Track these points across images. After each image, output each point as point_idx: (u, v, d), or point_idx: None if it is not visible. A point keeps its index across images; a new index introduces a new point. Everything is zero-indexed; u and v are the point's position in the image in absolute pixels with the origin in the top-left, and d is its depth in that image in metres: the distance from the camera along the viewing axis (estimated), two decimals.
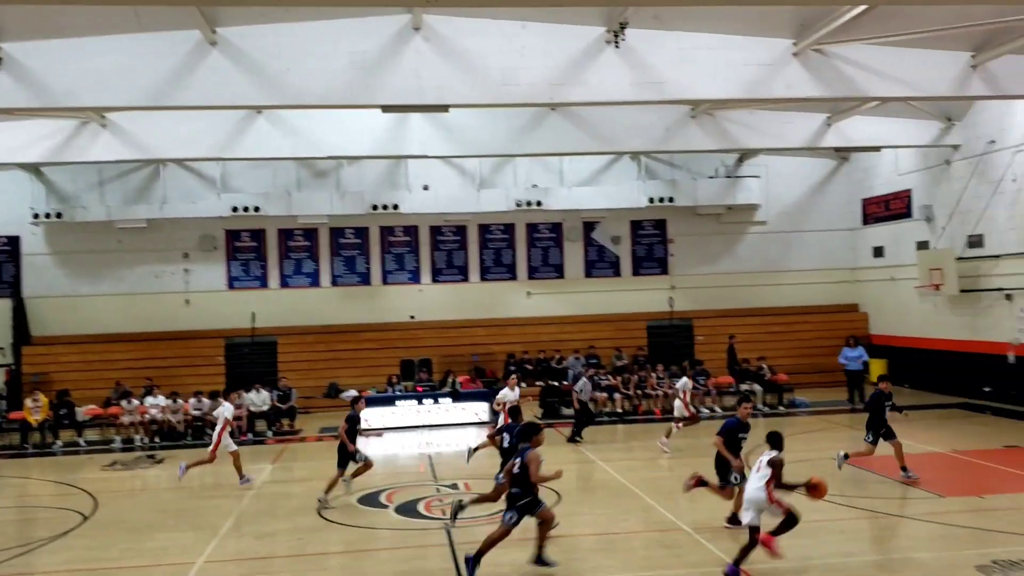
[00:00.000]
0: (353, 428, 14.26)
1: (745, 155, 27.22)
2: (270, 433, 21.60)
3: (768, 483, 9.58)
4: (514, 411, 13.47)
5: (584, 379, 20.07)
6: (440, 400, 22.37)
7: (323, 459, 18.48)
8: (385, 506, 13.73)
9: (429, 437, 20.70)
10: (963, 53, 16.29)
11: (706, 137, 20.87)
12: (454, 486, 14.93)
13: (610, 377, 23.72)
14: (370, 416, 21.82)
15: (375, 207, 26.03)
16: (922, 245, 24.73)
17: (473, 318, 27.45)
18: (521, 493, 9.91)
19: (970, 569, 9.41)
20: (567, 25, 14.54)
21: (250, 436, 21.33)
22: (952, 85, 16.49)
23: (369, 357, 26.05)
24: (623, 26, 14.14)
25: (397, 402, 22.38)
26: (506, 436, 12.85)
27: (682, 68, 15.09)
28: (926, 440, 17.31)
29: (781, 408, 22.95)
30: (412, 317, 27.52)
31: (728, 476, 11.60)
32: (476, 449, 15.35)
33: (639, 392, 23.13)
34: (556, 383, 24.11)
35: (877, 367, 26.49)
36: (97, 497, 14.96)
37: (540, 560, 10.13)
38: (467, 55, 14.54)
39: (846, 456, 14.50)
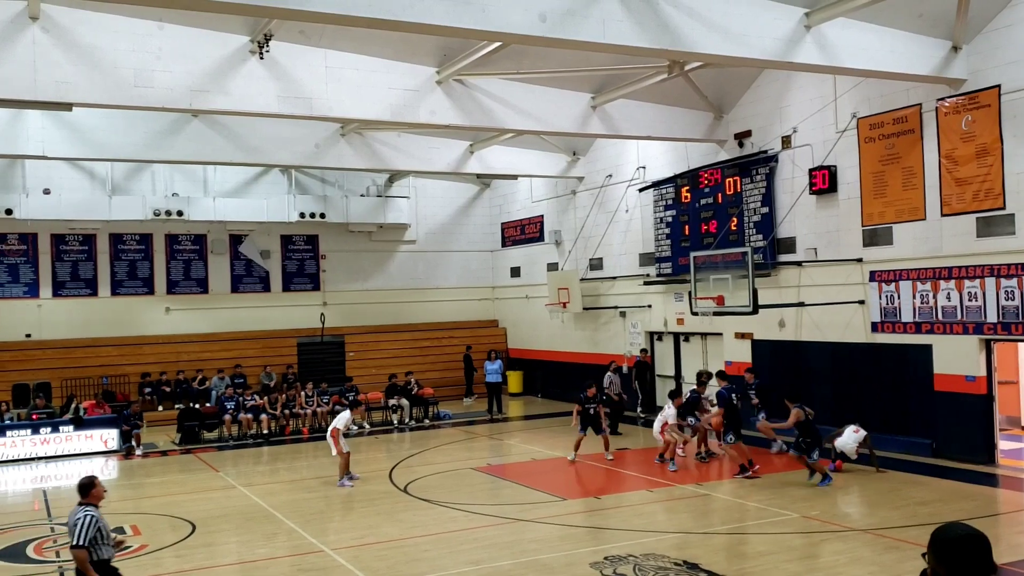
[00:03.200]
0: None
1: (395, 176, 27.88)
2: None
3: None
4: None
5: (609, 374, 20.74)
6: (60, 428, 20.14)
7: None
8: None
9: (46, 470, 18.56)
10: (585, 94, 18.06)
11: (356, 156, 21.04)
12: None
13: (256, 397, 22.93)
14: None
15: None
16: (552, 266, 26.97)
17: (103, 336, 25.18)
18: None
19: (584, 566, 10.31)
20: (208, 31, 13.90)
21: None
22: (575, 122, 18.20)
23: None
24: (268, 38, 13.83)
25: (7, 432, 19.78)
26: None
27: (329, 86, 15.09)
28: (552, 445, 18.81)
29: (427, 421, 23.67)
30: (28, 335, 24.59)
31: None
32: None
33: (287, 412, 22.61)
34: (197, 405, 22.80)
35: (515, 379, 28.51)
36: None
37: None
38: (94, 51, 13.32)
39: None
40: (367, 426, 22.58)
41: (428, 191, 29.39)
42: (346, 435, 15.95)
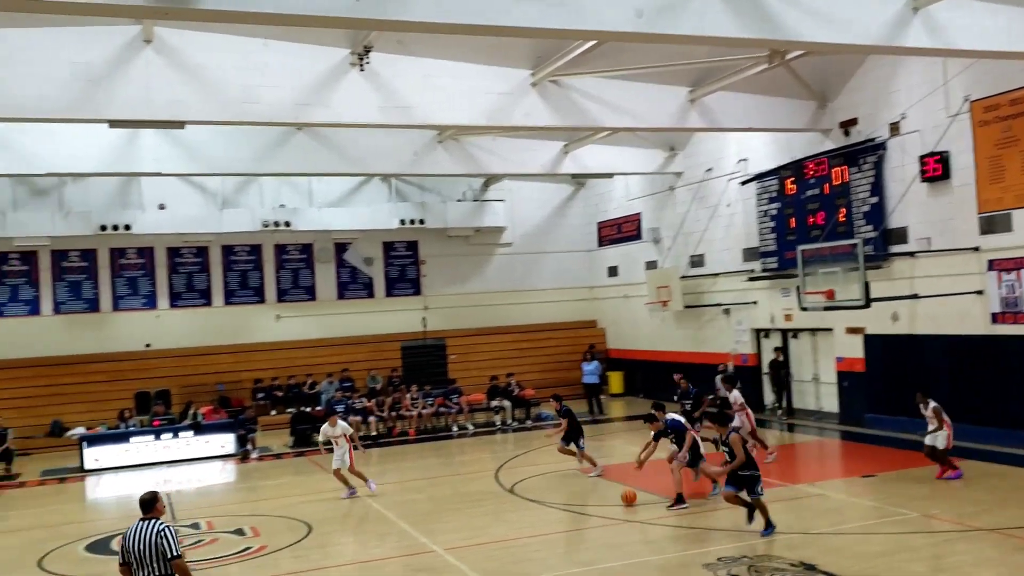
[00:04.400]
0: None
1: (491, 179, 28.09)
2: None
3: None
4: None
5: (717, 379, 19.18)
6: (180, 434, 21.02)
7: (47, 505, 16.86)
8: (116, 552, 12.61)
9: (168, 474, 19.39)
10: (682, 88, 17.81)
11: (453, 161, 21.31)
12: (195, 525, 14.07)
13: (364, 400, 23.46)
14: (101, 455, 20.22)
15: (104, 227, 24.20)
16: (651, 265, 26.69)
17: (217, 344, 26.16)
18: None
19: (697, 568, 10.16)
20: (311, 45, 14.29)
21: None
22: (673, 117, 17.97)
23: (99, 390, 24.05)
24: (368, 49, 14.14)
25: (131, 438, 20.76)
26: None
27: (426, 94, 15.31)
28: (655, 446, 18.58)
29: (528, 422, 23.76)
30: (148, 345, 25.76)
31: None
32: None
33: (394, 414, 23.05)
34: (308, 409, 23.47)
35: (616, 379, 28.31)
36: None
37: None
38: (203, 71, 13.87)
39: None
40: (470, 427, 22.77)
41: (523, 193, 29.50)
42: (328, 447, 15.82)
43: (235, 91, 14.01)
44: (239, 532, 13.34)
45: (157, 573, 7.25)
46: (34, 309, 25.06)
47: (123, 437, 20.80)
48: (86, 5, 9.39)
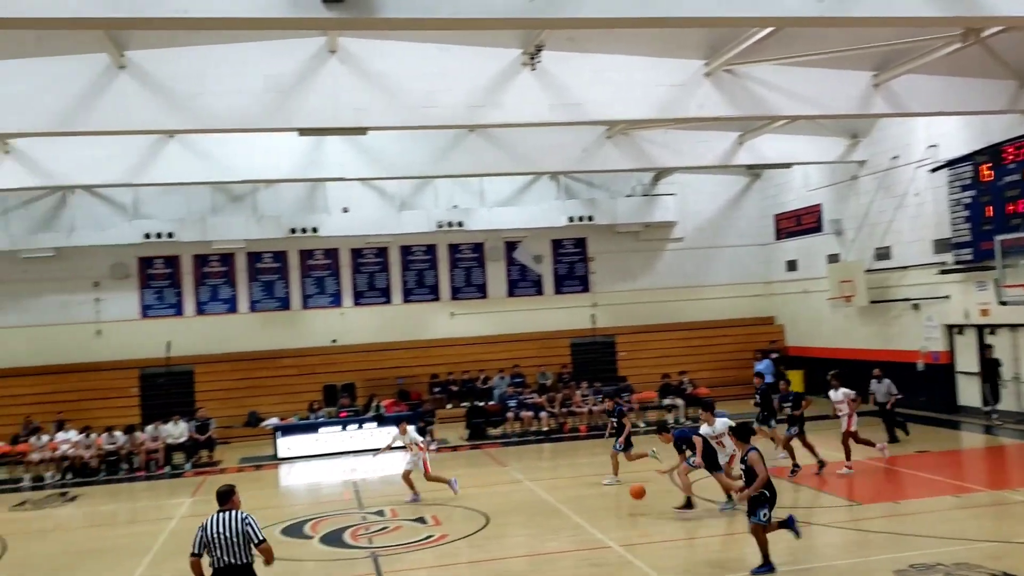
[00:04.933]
0: None
1: (661, 173, 27.73)
2: (188, 466, 20.95)
3: None
4: None
5: (885, 382, 18.71)
6: (364, 425, 22.04)
7: (245, 490, 18.05)
8: (309, 536, 13.43)
9: (354, 463, 20.35)
10: (865, 72, 16.92)
11: (622, 156, 21.18)
12: (380, 513, 14.71)
13: (535, 396, 23.79)
14: (292, 445, 21.47)
15: (293, 230, 25.66)
16: (833, 258, 25.53)
17: (396, 340, 27.20)
18: None
19: (887, 574, 9.66)
20: (485, 48, 14.59)
21: (168, 469, 20.68)
22: (856, 103, 17.10)
23: (290, 383, 25.54)
24: (539, 48, 14.28)
25: (320, 429, 21.96)
26: None
27: (597, 89, 15.29)
28: (838, 447, 17.78)
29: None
30: (334, 341, 27.13)
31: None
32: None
33: (564, 410, 23.22)
34: (481, 403, 24.04)
35: (796, 377, 27.25)
36: (6, 539, 14.27)
37: None
38: (385, 78, 14.46)
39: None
40: (641, 425, 22.59)
41: (695, 186, 28.93)
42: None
43: (414, 96, 14.51)
44: (421, 520, 13.85)
45: (242, 560, 7.86)
46: (232, 307, 26.94)
47: (313, 427, 22.04)
48: (279, 20, 9.98)
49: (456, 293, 28.17)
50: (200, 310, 26.69)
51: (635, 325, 28.22)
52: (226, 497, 8.19)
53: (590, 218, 27.26)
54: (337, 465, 20.46)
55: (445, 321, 27.92)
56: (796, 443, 15.71)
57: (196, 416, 22.06)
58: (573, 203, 27.45)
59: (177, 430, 21.36)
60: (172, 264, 26.53)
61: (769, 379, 23.93)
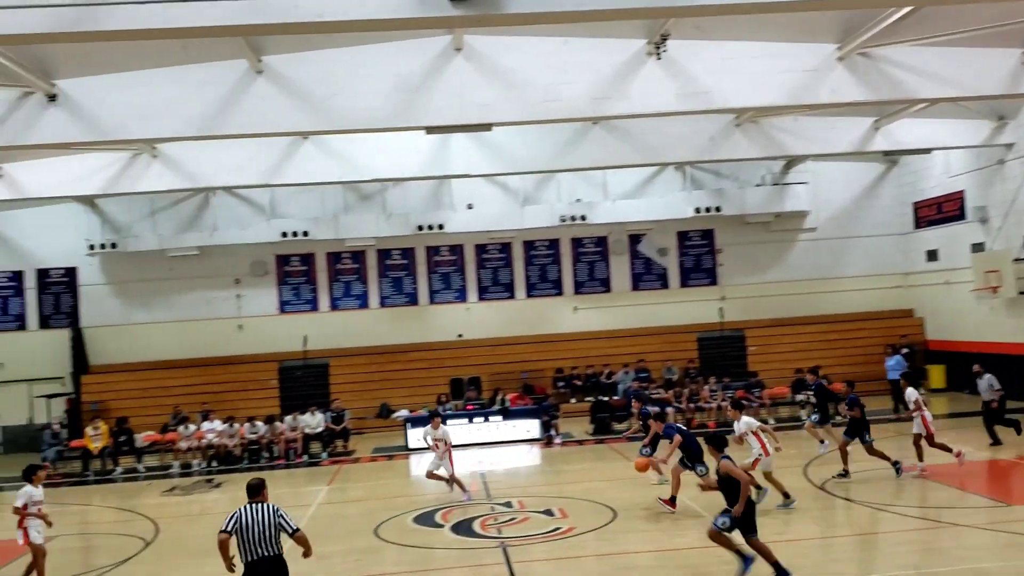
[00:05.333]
0: None
1: (792, 162, 26.89)
2: (324, 455, 21.75)
3: None
4: None
5: (986, 377, 18.07)
6: (490, 418, 22.34)
7: (378, 479, 18.66)
8: (440, 525, 13.73)
9: (480, 455, 20.66)
10: (1013, 50, 15.94)
11: (751, 145, 20.67)
12: (508, 504, 14.87)
13: (661, 391, 23.53)
14: (421, 436, 21.90)
15: (420, 227, 26.21)
16: (977, 247, 24.16)
17: (520, 335, 27.42)
18: None
19: None
20: (608, 39, 14.54)
21: (306, 458, 21.53)
22: (1003, 83, 16.13)
23: (419, 376, 26.15)
24: (664, 38, 14.11)
25: (447, 421, 22.33)
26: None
27: (725, 77, 15.00)
28: (980, 444, 16.88)
29: (839, 417, 22.45)
30: (460, 335, 27.58)
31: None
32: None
33: (692, 406, 22.87)
34: (606, 398, 23.96)
35: (936, 373, 25.98)
36: (158, 523, 15.18)
37: None
38: (509, 73, 14.61)
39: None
40: (771, 422, 21.99)
41: (828, 174, 27.91)
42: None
43: (538, 91, 14.60)
44: (548, 513, 13.93)
45: (274, 552, 8.11)
46: (363, 303, 27.78)
47: (442, 419, 22.40)
48: (409, 20, 10.23)
49: (579, 287, 28.16)
50: (334, 305, 27.66)
51: (765, 319, 27.52)
52: (257, 490, 8.38)
53: (718, 209, 26.70)
54: (464, 456, 20.76)
55: (568, 315, 27.96)
56: (858, 449, 15.02)
57: (331, 407, 22.89)
58: (700, 194, 26.96)
59: (314, 420, 22.20)
60: (307, 261, 27.59)
61: (893, 375, 22.89)
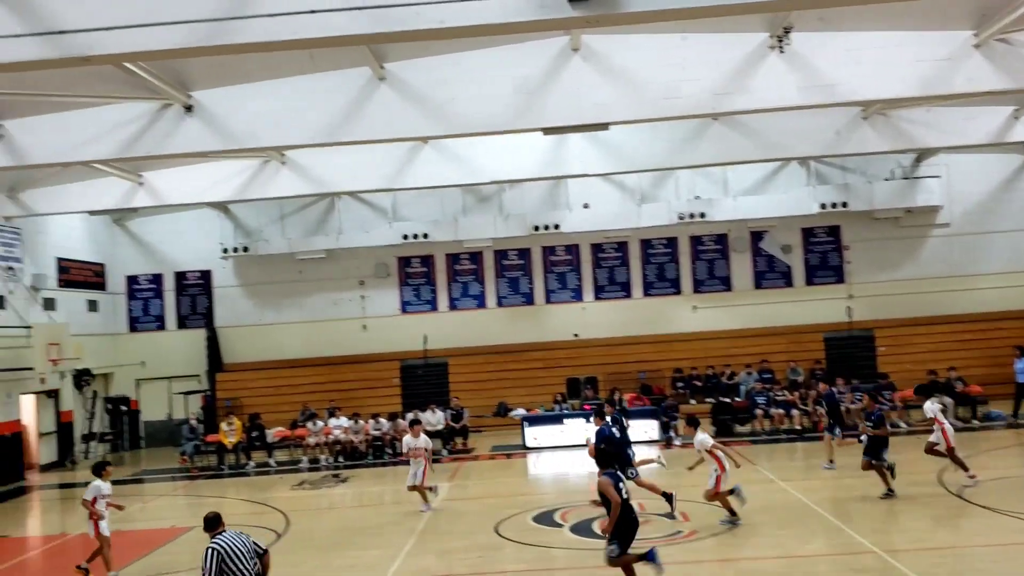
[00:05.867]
0: None
1: (923, 155, 25.70)
2: (445, 452, 22.15)
3: None
4: None
5: None
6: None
7: (497, 477, 18.87)
8: (560, 525, 13.76)
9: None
10: None
11: (880, 138, 19.81)
12: None
13: (786, 392, 22.90)
14: (539, 435, 22.07)
15: (536, 228, 26.32)
16: None
17: (638, 334, 27.19)
18: None
19: None
20: (728, 34, 14.24)
21: None
22: None
23: (536, 376, 26.28)
24: (787, 30, 13.73)
25: (565, 420, 22.42)
26: None
27: (851, 69, 14.45)
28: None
29: (975, 422, 21.40)
30: (576, 335, 27.58)
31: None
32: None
33: (818, 408, 22.13)
34: (727, 400, 23.50)
35: None
36: (288, 515, 15.79)
37: None
38: (626, 72, 14.50)
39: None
40: (903, 426, 21.05)
41: (962, 167, 26.54)
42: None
43: (656, 88, 14.44)
44: (670, 516, 13.75)
45: (254, 571, 8.15)
46: (481, 303, 28.14)
47: (558, 419, 22.54)
48: (528, 23, 10.29)
49: (699, 286, 27.72)
50: (452, 306, 28.12)
51: (896, 318, 26.41)
52: (218, 521, 8.56)
53: (844, 204, 25.77)
54: (581, 456, 20.75)
55: (687, 315, 27.56)
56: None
57: (451, 405, 23.28)
58: (825, 189, 26.08)
59: (435, 418, 22.64)
60: (427, 263, 28.15)
61: (1022, 378, 21.59)
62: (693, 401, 25.28)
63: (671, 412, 22.19)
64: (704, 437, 13.53)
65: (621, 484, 9.88)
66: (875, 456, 14.21)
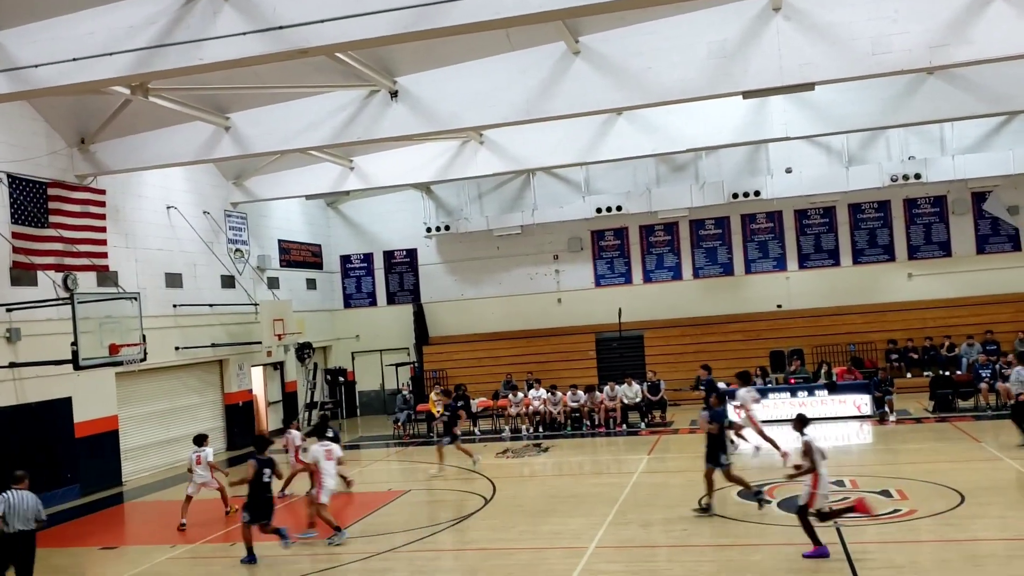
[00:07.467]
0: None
1: None
2: (643, 424, 22.13)
3: None
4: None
5: (1016, 370, 16.71)
6: (815, 392, 21.39)
7: (697, 451, 18.57)
8: (768, 501, 13.43)
9: (806, 431, 19.80)
10: None
11: None
12: (840, 483, 14.18)
13: (1009, 366, 21.09)
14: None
15: (735, 195, 25.62)
16: None
17: (847, 304, 25.99)
18: None
19: None
20: None
21: (624, 427, 22.04)
22: None
23: (736, 348, 25.65)
24: None
25: (769, 394, 21.76)
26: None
27: None
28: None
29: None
30: (779, 306, 26.70)
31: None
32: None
33: None
34: (947, 373, 21.97)
35: None
36: (495, 482, 16.35)
37: None
38: (832, 28, 13.78)
39: None
40: None
41: None
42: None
43: (865, 44, 13.63)
44: (885, 494, 13.13)
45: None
46: (676, 275, 27.79)
47: (762, 393, 21.85)
48: None
49: (914, 252, 26.06)
50: (647, 278, 27.95)
51: None
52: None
53: None
54: (787, 432, 20.10)
55: (902, 283, 26.00)
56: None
57: (647, 378, 23.18)
58: None
59: (631, 391, 22.64)
60: (620, 235, 28.10)
61: None
62: (909, 375, 23.87)
63: (886, 386, 21.01)
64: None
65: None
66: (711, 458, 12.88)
